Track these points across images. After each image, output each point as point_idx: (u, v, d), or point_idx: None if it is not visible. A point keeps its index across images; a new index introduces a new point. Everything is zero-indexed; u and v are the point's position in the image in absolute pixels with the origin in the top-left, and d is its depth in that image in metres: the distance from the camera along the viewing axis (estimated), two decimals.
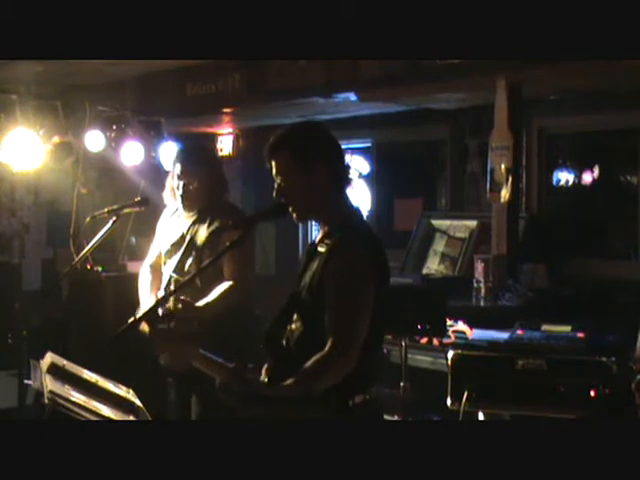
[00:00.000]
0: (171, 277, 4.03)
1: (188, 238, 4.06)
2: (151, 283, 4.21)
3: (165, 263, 4.15)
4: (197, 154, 4.16)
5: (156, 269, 4.24)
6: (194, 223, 4.08)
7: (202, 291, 3.85)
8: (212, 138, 8.49)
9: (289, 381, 2.62)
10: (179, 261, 4.03)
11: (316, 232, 2.96)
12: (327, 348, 2.62)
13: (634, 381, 2.35)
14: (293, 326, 2.79)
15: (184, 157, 4.10)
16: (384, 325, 2.86)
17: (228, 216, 3.97)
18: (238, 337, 3.95)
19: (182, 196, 4.05)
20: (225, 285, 3.91)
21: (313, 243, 2.93)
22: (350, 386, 2.70)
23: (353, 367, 2.64)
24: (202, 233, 4.03)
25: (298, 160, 2.78)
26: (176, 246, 4.09)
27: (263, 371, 2.85)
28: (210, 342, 3.89)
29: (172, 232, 4.16)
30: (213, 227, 3.98)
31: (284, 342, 2.81)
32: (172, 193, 4.14)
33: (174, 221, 4.20)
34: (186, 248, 4.03)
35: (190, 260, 4.01)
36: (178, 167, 4.06)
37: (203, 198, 4.05)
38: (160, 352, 2.74)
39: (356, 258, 2.72)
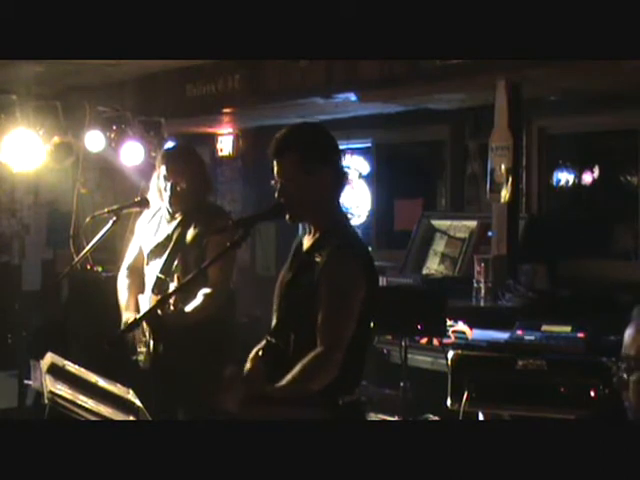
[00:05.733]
0: (158, 278, 4.03)
1: (174, 239, 4.06)
2: (130, 285, 4.21)
3: (148, 264, 4.14)
4: (183, 155, 4.16)
5: (135, 271, 4.24)
6: (180, 224, 4.08)
7: (185, 292, 3.86)
8: (212, 138, 8.49)
9: (285, 380, 2.64)
10: (165, 262, 4.03)
11: None
12: (320, 347, 2.66)
13: (617, 378, 2.35)
14: (290, 336, 2.81)
15: (170, 158, 4.10)
16: (370, 329, 2.91)
17: (215, 218, 4.00)
18: (220, 339, 4.00)
19: (170, 196, 4.05)
20: (204, 292, 3.92)
21: (301, 244, 2.93)
22: (340, 386, 2.73)
23: (342, 367, 2.68)
24: (189, 234, 4.03)
25: (306, 161, 2.78)
26: (161, 247, 4.09)
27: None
28: (193, 346, 3.95)
29: (155, 233, 4.16)
30: (200, 228, 3.99)
31: (280, 351, 2.82)
32: (159, 194, 4.13)
33: (156, 222, 4.19)
34: (172, 249, 4.04)
35: (177, 261, 4.01)
36: (164, 168, 4.06)
37: (190, 199, 4.06)
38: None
39: (352, 265, 2.75)
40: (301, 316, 2.77)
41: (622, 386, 2.31)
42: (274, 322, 2.91)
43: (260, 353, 2.91)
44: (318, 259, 2.78)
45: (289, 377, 2.65)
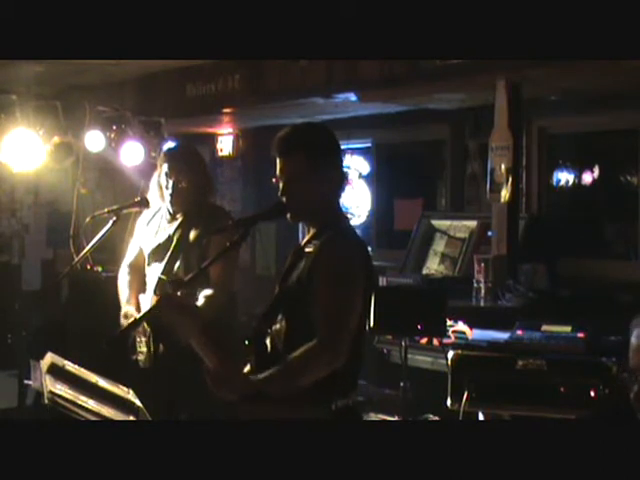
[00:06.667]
0: (160, 279, 4.03)
1: (175, 240, 4.05)
2: (130, 282, 4.20)
3: (149, 264, 4.14)
4: (185, 154, 4.17)
5: (135, 269, 4.24)
6: (181, 225, 4.08)
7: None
8: (212, 138, 8.50)
9: (274, 370, 2.61)
10: (167, 263, 4.03)
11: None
12: (316, 340, 2.61)
13: (633, 392, 2.35)
14: (278, 326, 2.78)
15: (173, 157, 4.10)
16: (365, 329, 2.87)
17: (216, 218, 4.00)
18: (220, 339, 3.99)
19: (171, 195, 4.05)
20: (206, 293, 3.91)
21: (298, 245, 2.93)
22: (334, 388, 2.68)
23: (341, 365, 2.64)
24: (190, 235, 4.03)
25: (312, 161, 2.77)
26: (162, 248, 4.08)
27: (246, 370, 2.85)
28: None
29: (156, 234, 4.15)
30: (201, 228, 3.99)
31: (268, 342, 2.80)
32: (160, 193, 4.14)
33: (157, 223, 4.19)
34: (174, 250, 4.03)
35: (179, 262, 4.01)
36: (166, 166, 4.06)
37: (191, 198, 4.06)
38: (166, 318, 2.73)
39: (346, 255, 2.73)
40: (290, 299, 2.75)
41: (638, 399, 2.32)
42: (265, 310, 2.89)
43: (246, 342, 2.87)
44: (309, 249, 2.77)
45: (279, 367, 2.60)
